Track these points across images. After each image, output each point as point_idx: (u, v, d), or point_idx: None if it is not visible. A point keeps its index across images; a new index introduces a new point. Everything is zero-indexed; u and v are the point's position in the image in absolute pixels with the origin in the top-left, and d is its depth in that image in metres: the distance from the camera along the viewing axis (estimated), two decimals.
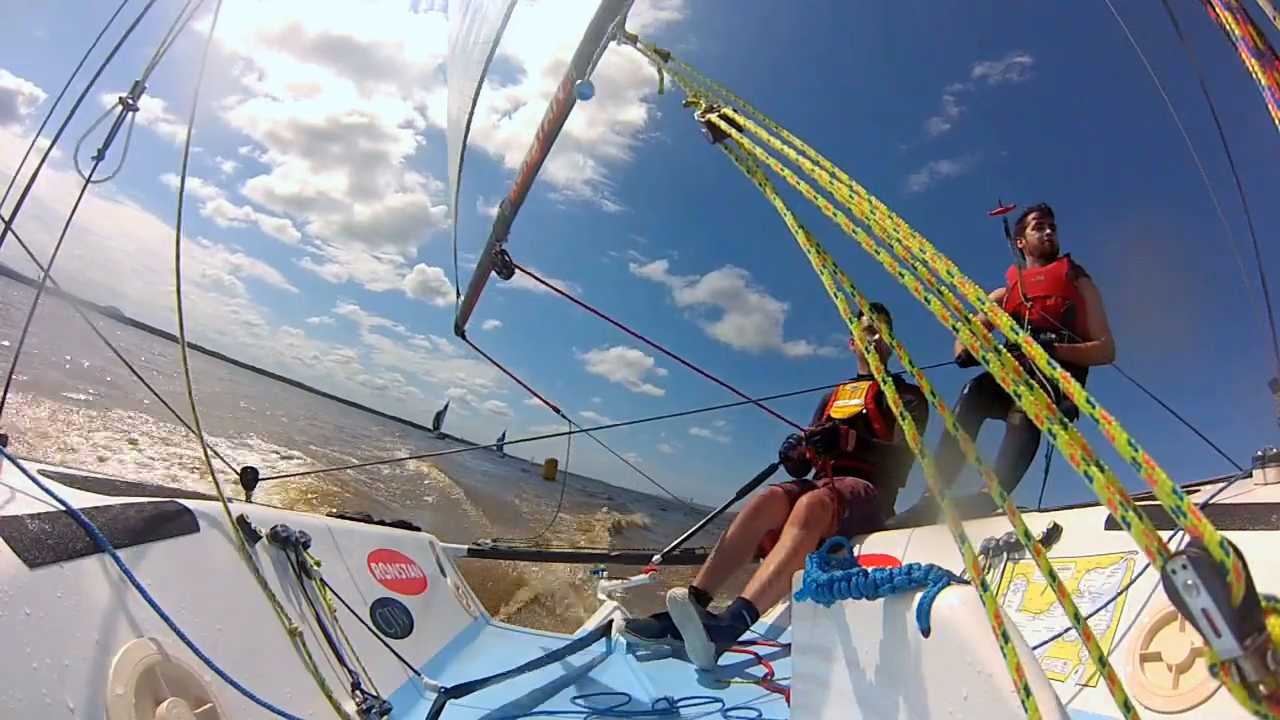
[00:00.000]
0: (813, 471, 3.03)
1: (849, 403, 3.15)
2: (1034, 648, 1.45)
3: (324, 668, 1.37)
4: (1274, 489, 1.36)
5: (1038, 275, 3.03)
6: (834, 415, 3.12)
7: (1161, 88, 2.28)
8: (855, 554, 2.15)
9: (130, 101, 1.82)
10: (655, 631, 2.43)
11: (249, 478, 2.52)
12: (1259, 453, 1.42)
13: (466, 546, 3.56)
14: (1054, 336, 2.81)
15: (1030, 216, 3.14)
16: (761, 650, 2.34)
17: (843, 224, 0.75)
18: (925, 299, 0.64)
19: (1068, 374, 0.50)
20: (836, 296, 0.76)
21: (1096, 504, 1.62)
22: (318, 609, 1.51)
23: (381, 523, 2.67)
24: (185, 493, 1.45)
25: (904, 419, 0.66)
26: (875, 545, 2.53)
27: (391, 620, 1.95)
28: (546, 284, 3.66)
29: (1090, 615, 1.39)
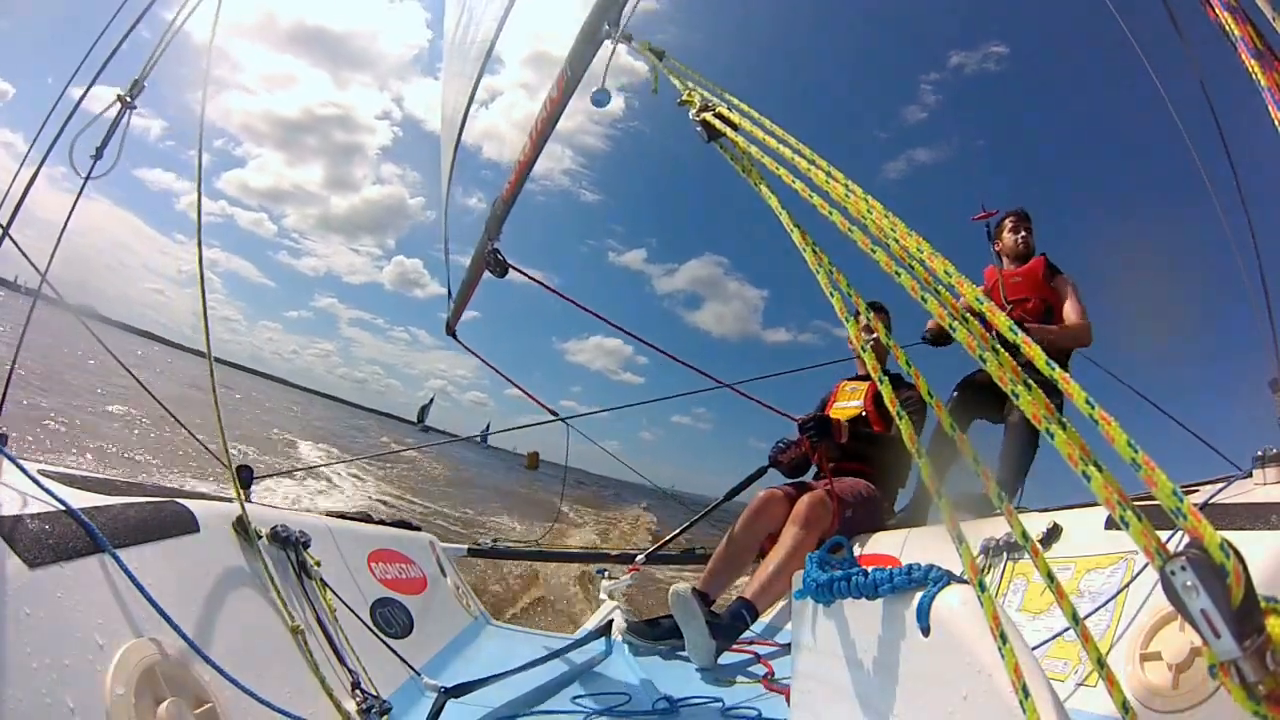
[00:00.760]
0: (812, 471, 3.02)
1: (848, 404, 3.15)
2: (1034, 648, 1.45)
3: (324, 667, 1.37)
4: (1274, 489, 1.35)
5: (1015, 276, 3.13)
6: (834, 416, 3.11)
7: (1161, 88, 2.28)
8: (855, 554, 2.15)
9: (129, 100, 1.82)
10: (655, 635, 2.43)
11: (244, 476, 2.52)
12: (1259, 453, 1.41)
13: (466, 546, 3.56)
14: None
15: (1007, 220, 3.28)
16: (761, 650, 2.34)
17: (838, 222, 0.75)
18: (922, 298, 0.64)
19: (1067, 375, 0.50)
20: (832, 295, 0.75)
21: (1097, 504, 1.62)
22: (318, 609, 1.51)
23: (382, 523, 2.67)
24: (185, 493, 1.45)
25: (901, 419, 0.66)
26: (875, 545, 2.53)
27: (391, 620, 1.95)
28: (543, 284, 3.66)
29: (1090, 615, 1.39)
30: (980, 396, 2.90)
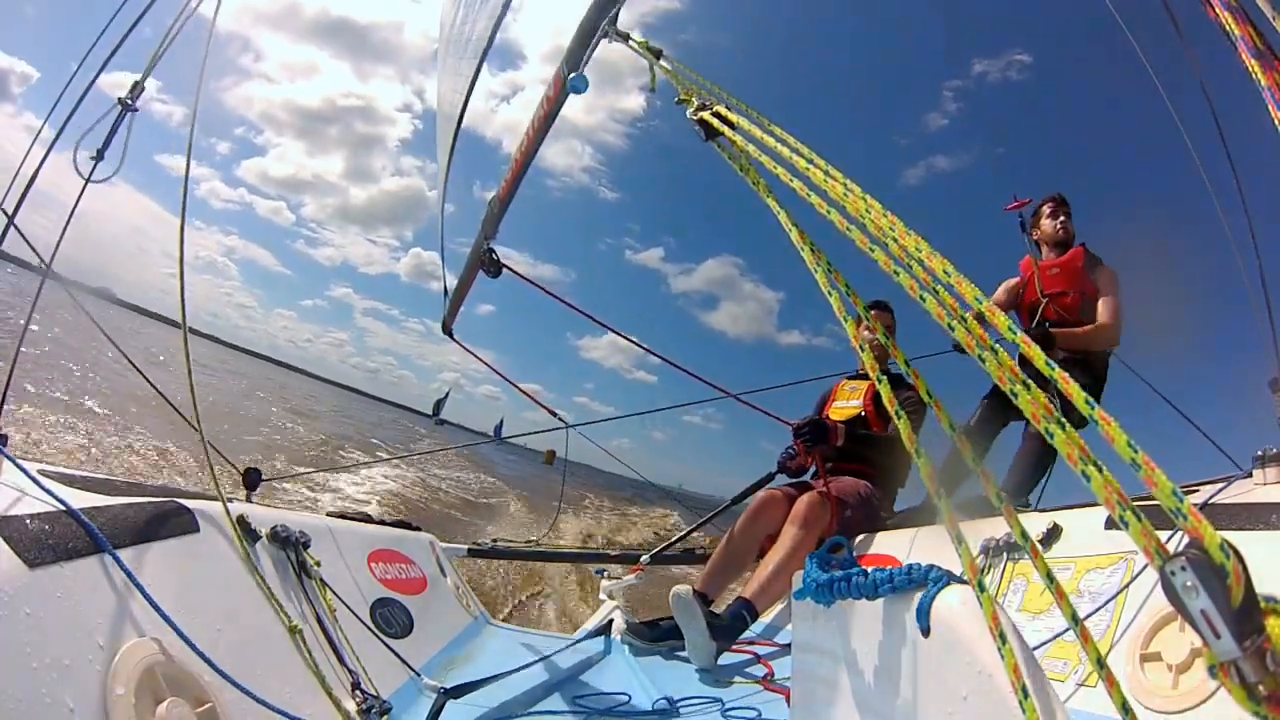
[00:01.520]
0: (811, 472, 3.02)
1: (848, 404, 3.13)
2: (1034, 648, 1.44)
3: (324, 667, 1.37)
4: (1274, 489, 1.36)
5: (1053, 268, 3.00)
6: (832, 416, 3.10)
7: (1161, 88, 2.28)
8: (855, 554, 2.15)
9: (130, 102, 1.82)
10: (653, 636, 2.43)
11: (251, 478, 2.52)
12: (1259, 453, 1.42)
13: (466, 546, 3.56)
14: (1045, 328, 2.80)
15: (1045, 206, 3.14)
16: (761, 650, 2.34)
17: (836, 221, 0.74)
18: (920, 297, 0.64)
19: (1066, 375, 0.50)
20: (830, 294, 0.75)
21: (1097, 504, 1.62)
22: (318, 609, 1.51)
23: (382, 523, 2.67)
24: (185, 492, 1.45)
25: (900, 419, 0.66)
26: (875, 545, 2.53)
27: (391, 620, 1.95)
28: (532, 282, 3.65)
29: (1089, 615, 1.39)
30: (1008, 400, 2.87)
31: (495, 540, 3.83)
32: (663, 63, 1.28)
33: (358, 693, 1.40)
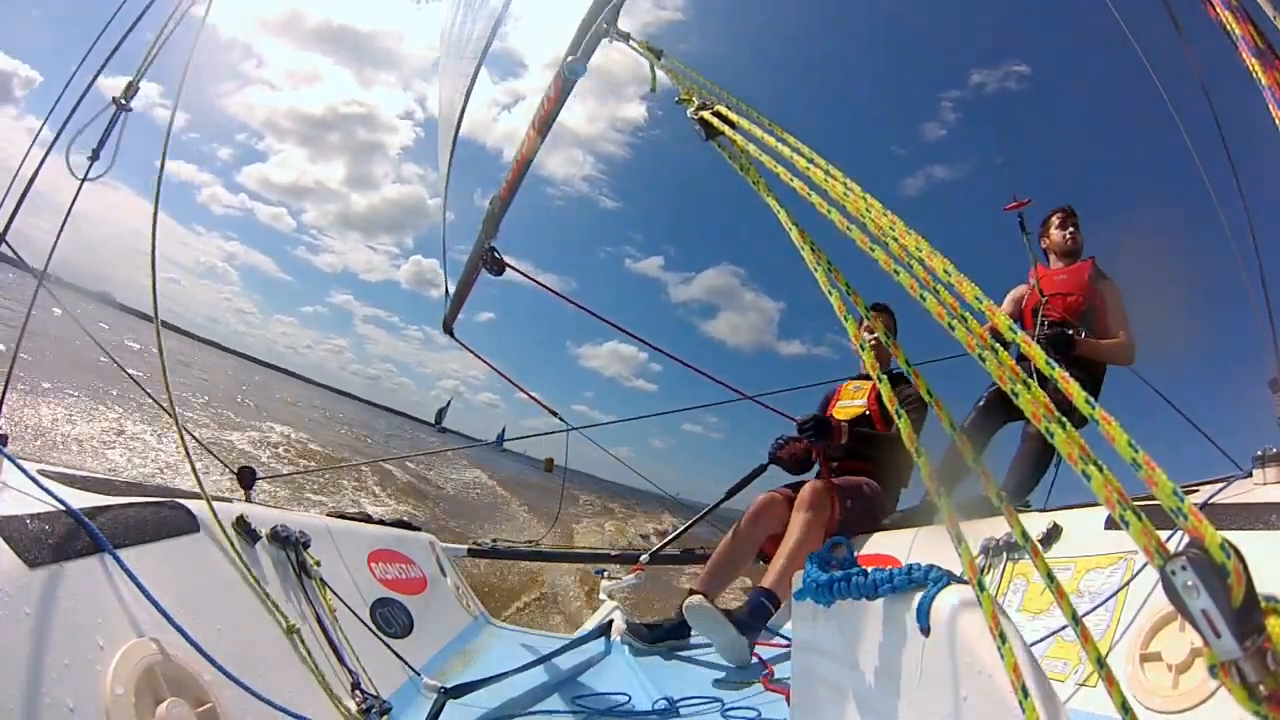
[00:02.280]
0: (814, 471, 3.03)
1: (852, 403, 3.14)
2: (1032, 644, 1.44)
3: (324, 667, 1.37)
4: (1274, 489, 1.35)
5: (1060, 274, 3.06)
6: (836, 416, 3.11)
7: (1161, 88, 2.27)
8: (855, 554, 2.14)
9: (124, 102, 1.82)
10: (653, 638, 2.44)
11: (246, 477, 2.52)
12: (1259, 453, 1.41)
13: (466, 546, 3.56)
14: (1072, 330, 2.82)
15: (1054, 217, 3.20)
16: (762, 650, 2.34)
17: (837, 221, 0.74)
18: (920, 296, 0.64)
19: (1066, 375, 0.50)
20: (830, 294, 0.75)
21: (1097, 504, 1.62)
22: (318, 609, 1.51)
23: (381, 522, 2.67)
24: (185, 493, 1.45)
25: (900, 418, 0.66)
26: (875, 545, 2.53)
27: (391, 620, 1.95)
28: (537, 282, 3.66)
29: (1087, 613, 1.39)
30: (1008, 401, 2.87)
31: (495, 540, 3.83)
32: (663, 63, 1.28)
33: (358, 692, 1.39)
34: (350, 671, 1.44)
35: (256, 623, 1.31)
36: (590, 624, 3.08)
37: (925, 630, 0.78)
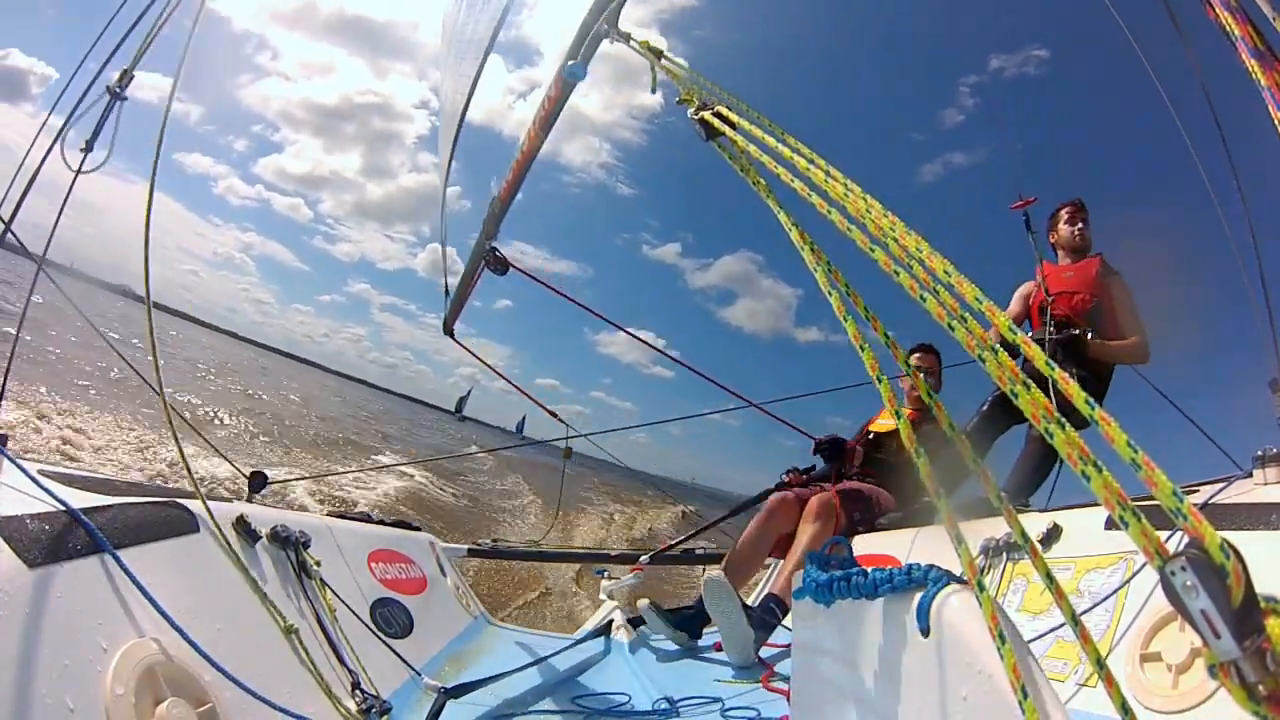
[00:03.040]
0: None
1: (890, 421, 3.19)
2: (1030, 642, 1.44)
3: (324, 667, 1.37)
4: (1274, 489, 1.35)
5: (1067, 271, 3.00)
6: (872, 429, 3.18)
7: (1161, 88, 2.27)
8: (855, 554, 2.15)
9: (118, 90, 1.79)
10: (674, 623, 2.45)
11: (257, 482, 2.52)
12: (1259, 453, 1.41)
13: (466, 546, 3.57)
14: (1079, 331, 2.77)
15: (1063, 211, 3.11)
16: (761, 650, 2.34)
17: (837, 221, 0.74)
18: (921, 297, 0.64)
19: (1066, 376, 0.50)
20: (830, 294, 0.75)
21: (1097, 504, 1.62)
22: (318, 609, 1.51)
23: (381, 522, 2.67)
24: (185, 493, 1.45)
25: (920, 457, 0.65)
26: (875, 545, 2.53)
27: (391, 620, 1.95)
28: (542, 282, 3.66)
29: (1087, 612, 1.39)
30: (1012, 404, 2.85)
31: (495, 540, 3.83)
32: (663, 63, 1.28)
33: (358, 692, 1.40)
34: (350, 671, 1.44)
35: (256, 623, 1.31)
36: (590, 624, 3.08)
37: (925, 630, 0.78)
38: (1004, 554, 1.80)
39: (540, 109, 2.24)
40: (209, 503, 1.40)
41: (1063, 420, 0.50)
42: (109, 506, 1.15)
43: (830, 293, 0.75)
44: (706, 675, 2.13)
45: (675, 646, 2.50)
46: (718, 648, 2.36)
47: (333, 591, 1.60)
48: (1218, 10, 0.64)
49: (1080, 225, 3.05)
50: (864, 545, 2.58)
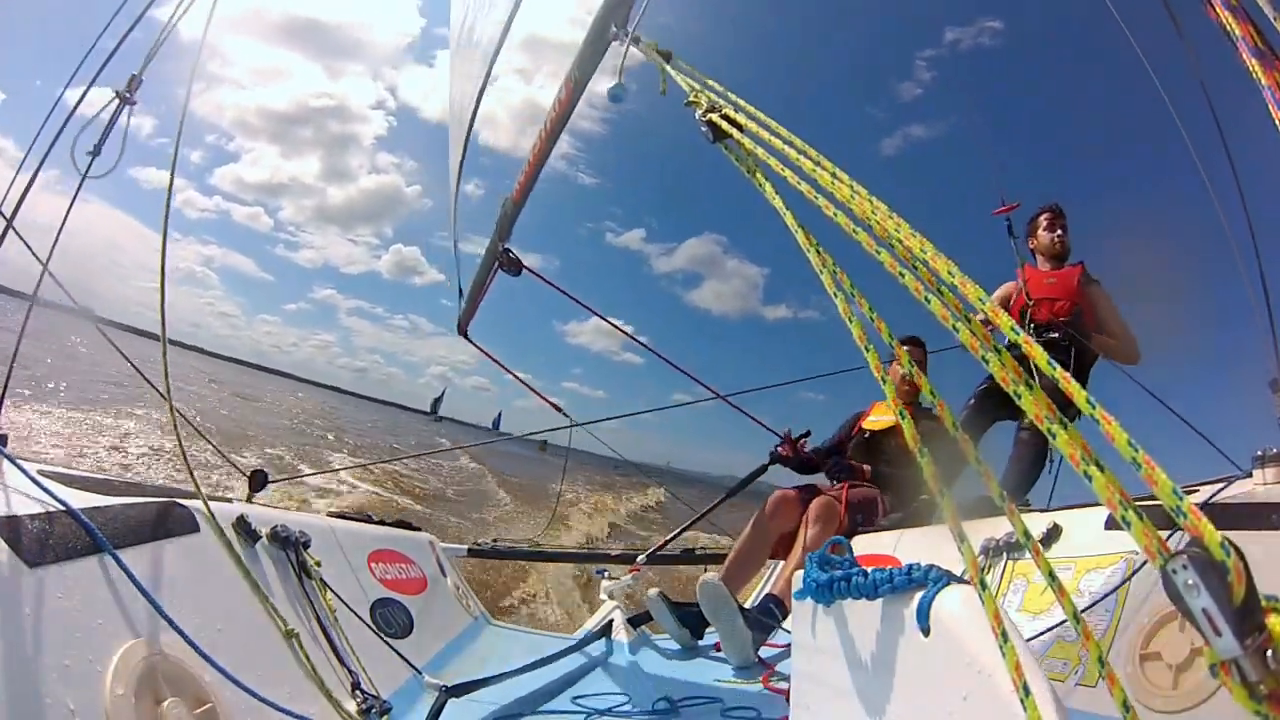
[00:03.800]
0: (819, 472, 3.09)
1: (882, 418, 3.17)
2: (1029, 640, 1.45)
3: (324, 667, 1.37)
4: (1274, 489, 1.35)
5: (1049, 278, 3.01)
6: (866, 427, 3.15)
7: (1161, 87, 2.27)
8: (855, 554, 2.15)
9: (127, 96, 1.81)
10: (680, 618, 2.44)
11: (258, 481, 2.52)
12: (1259, 453, 1.41)
13: (466, 546, 3.57)
14: (1058, 336, 2.79)
15: (1042, 217, 3.12)
16: (762, 650, 2.34)
17: (843, 224, 0.75)
18: (925, 299, 0.64)
19: (1067, 374, 0.50)
20: (836, 296, 0.75)
21: (1096, 504, 1.62)
22: (318, 609, 1.51)
23: (382, 523, 2.67)
24: (185, 493, 1.45)
25: (923, 455, 0.65)
26: (875, 545, 2.53)
27: (391, 620, 1.95)
28: (557, 288, 3.68)
29: (1088, 608, 1.39)
30: (1000, 397, 2.87)
31: (495, 540, 3.83)
32: (673, 65, 1.28)
33: (358, 692, 1.39)
34: (350, 671, 1.44)
35: (256, 623, 1.31)
36: (590, 624, 3.08)
37: (925, 630, 0.78)
38: (1004, 554, 1.80)
39: (551, 110, 2.26)
40: (209, 503, 1.40)
41: (1065, 420, 0.50)
42: (109, 506, 1.15)
43: (835, 295, 0.75)
44: (707, 675, 2.13)
45: (676, 647, 2.51)
46: (718, 648, 2.36)
47: (333, 592, 1.60)
48: (1218, 10, 0.64)
49: (1059, 232, 3.06)
50: (864, 545, 2.58)
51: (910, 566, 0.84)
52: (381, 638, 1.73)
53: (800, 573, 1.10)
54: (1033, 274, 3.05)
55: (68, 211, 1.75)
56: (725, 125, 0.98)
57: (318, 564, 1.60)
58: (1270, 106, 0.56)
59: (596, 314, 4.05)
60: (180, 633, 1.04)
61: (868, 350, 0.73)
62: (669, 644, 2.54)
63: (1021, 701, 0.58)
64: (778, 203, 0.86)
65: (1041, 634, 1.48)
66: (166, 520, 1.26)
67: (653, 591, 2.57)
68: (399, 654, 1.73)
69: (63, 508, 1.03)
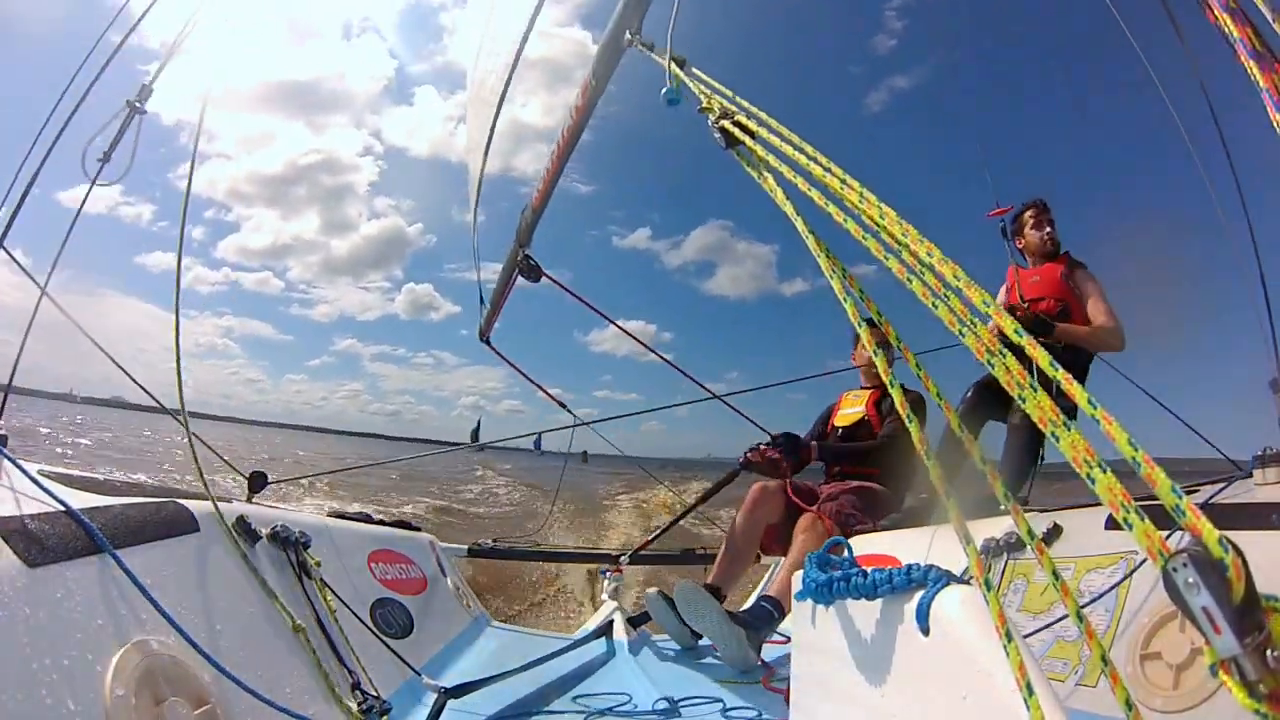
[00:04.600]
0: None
1: (851, 410, 3.17)
2: (1027, 637, 1.45)
3: (324, 668, 1.37)
4: (1274, 489, 1.36)
5: (1033, 276, 2.94)
6: (837, 424, 3.15)
7: (1161, 87, 2.28)
8: (855, 554, 2.14)
9: (138, 105, 1.85)
10: (681, 618, 2.43)
11: (257, 483, 2.52)
12: (1259, 453, 1.42)
13: (466, 546, 3.57)
14: (1040, 318, 2.69)
15: (1028, 214, 3.02)
16: (762, 650, 2.34)
17: (852, 230, 0.76)
18: (933, 304, 0.64)
19: (1069, 376, 0.50)
20: (846, 301, 0.77)
21: (1095, 504, 1.63)
22: (318, 609, 1.51)
23: (381, 523, 2.67)
24: (185, 493, 1.45)
25: (911, 422, 0.66)
26: (875, 545, 2.53)
27: (391, 620, 1.95)
28: (573, 294, 3.72)
29: (1088, 604, 1.40)
30: (991, 398, 2.84)
31: (495, 540, 3.83)
32: (686, 71, 1.30)
33: (357, 693, 1.39)
34: (350, 672, 1.44)
35: (257, 623, 1.31)
36: (591, 624, 3.08)
37: (925, 630, 0.78)
38: (1004, 554, 1.80)
39: (570, 118, 2.29)
40: (209, 503, 1.40)
41: (1068, 423, 0.50)
42: (109, 507, 1.15)
43: (845, 299, 0.76)
44: (707, 675, 2.13)
45: (676, 647, 2.50)
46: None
47: (333, 592, 1.60)
48: (1216, 12, 0.64)
49: (1048, 229, 2.96)
50: (864, 545, 2.57)
51: (910, 566, 0.84)
52: (381, 638, 1.73)
53: (800, 573, 1.10)
54: (1020, 275, 2.97)
55: (79, 211, 1.77)
56: (737, 132, 1.00)
57: (318, 564, 1.60)
58: (1269, 108, 0.56)
59: (606, 318, 4.08)
60: (181, 632, 1.04)
61: (876, 354, 0.74)
62: (669, 644, 2.54)
63: (1025, 701, 0.58)
64: (789, 208, 0.87)
65: (1038, 631, 1.48)
66: (167, 520, 1.26)
67: (652, 591, 2.56)
68: (399, 654, 1.72)
69: (63, 508, 1.03)
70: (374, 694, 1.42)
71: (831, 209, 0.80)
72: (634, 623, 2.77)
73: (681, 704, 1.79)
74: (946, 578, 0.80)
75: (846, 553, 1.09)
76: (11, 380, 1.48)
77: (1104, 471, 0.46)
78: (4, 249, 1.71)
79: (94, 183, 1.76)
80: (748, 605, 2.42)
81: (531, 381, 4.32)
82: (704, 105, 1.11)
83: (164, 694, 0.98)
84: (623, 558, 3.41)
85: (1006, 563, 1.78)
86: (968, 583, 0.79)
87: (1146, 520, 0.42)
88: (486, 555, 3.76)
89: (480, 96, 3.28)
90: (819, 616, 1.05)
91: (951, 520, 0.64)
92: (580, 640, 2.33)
